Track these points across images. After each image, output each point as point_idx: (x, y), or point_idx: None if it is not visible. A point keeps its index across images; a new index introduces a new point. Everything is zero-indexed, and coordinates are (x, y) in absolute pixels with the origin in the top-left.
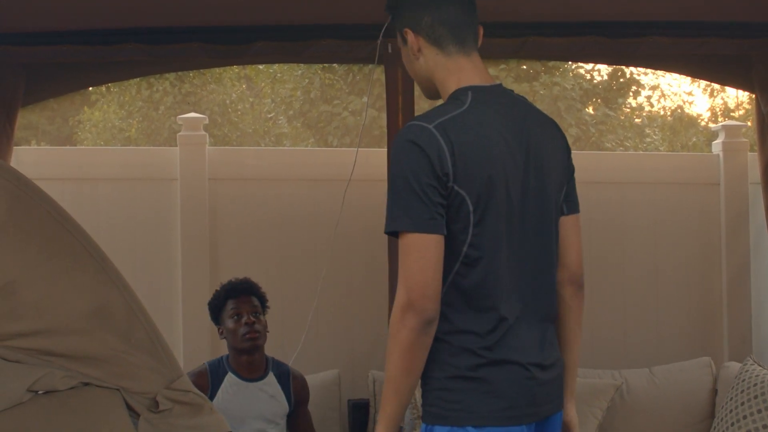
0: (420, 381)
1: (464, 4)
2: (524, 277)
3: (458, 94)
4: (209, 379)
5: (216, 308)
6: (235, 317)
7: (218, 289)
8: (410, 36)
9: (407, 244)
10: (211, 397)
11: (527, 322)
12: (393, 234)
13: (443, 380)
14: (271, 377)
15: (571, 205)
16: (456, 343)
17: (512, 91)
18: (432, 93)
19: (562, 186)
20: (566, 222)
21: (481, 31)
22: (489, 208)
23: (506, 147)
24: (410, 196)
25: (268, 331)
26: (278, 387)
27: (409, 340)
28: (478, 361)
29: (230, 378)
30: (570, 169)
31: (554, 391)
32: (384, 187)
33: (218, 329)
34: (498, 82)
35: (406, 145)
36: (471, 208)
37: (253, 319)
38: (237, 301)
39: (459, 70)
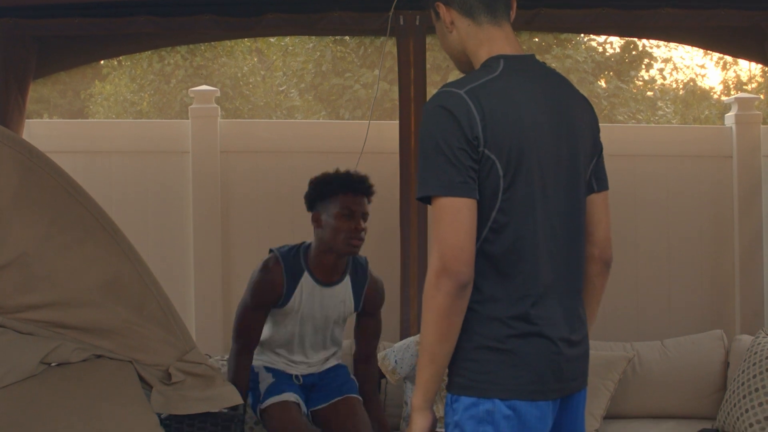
0: None
1: None
2: (556, 246)
3: (490, 62)
4: (284, 277)
5: (322, 194)
6: (347, 216)
7: (329, 173)
8: (442, 9)
9: (439, 209)
10: (287, 296)
11: (558, 293)
12: (425, 200)
13: (471, 350)
14: (346, 281)
15: (600, 182)
16: (484, 312)
17: (545, 63)
18: (465, 67)
19: (592, 159)
20: (596, 199)
21: (515, 4)
22: (519, 174)
23: (537, 114)
24: (441, 160)
25: None
26: (350, 291)
27: (445, 304)
28: (507, 331)
29: (306, 280)
30: (599, 145)
31: (580, 367)
32: (395, 159)
33: (313, 215)
34: (531, 53)
35: (437, 110)
36: (501, 173)
37: (363, 224)
38: (354, 199)
39: (490, 40)
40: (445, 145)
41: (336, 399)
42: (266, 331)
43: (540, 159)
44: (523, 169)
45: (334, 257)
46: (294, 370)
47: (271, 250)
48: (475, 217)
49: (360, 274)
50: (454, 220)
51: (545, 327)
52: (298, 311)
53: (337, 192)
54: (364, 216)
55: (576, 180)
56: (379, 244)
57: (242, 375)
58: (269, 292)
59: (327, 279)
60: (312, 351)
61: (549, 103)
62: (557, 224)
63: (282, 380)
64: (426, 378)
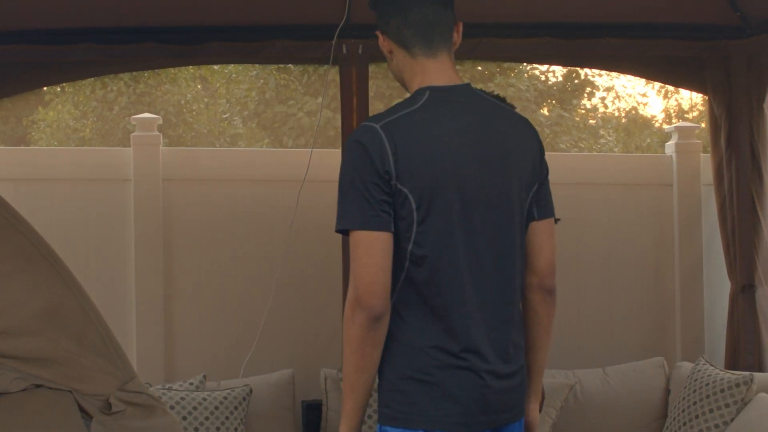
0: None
1: (431, 4)
2: (483, 278)
3: (415, 94)
4: None
5: None
6: None
7: None
8: (380, 38)
9: (354, 242)
10: None
11: (486, 324)
12: (343, 232)
13: (396, 381)
14: None
15: (542, 209)
16: (408, 342)
17: (482, 91)
18: (410, 91)
19: (531, 186)
20: (537, 227)
21: (460, 28)
22: (434, 207)
23: (459, 145)
24: (355, 194)
25: None
26: None
27: (359, 336)
28: (429, 362)
29: None
30: (542, 171)
31: (512, 400)
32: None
33: None
34: (466, 82)
35: (352, 145)
36: (414, 206)
37: None
38: None
39: (423, 72)
40: (358, 179)
41: None
42: None
43: (461, 191)
44: (437, 201)
45: None
46: None
47: None
48: (387, 250)
49: None
50: (365, 253)
51: (469, 359)
52: None
53: None
54: None
55: (508, 210)
56: (322, 272)
57: None
58: None
59: None
60: None
61: (476, 134)
62: (485, 255)
63: None
64: (349, 407)
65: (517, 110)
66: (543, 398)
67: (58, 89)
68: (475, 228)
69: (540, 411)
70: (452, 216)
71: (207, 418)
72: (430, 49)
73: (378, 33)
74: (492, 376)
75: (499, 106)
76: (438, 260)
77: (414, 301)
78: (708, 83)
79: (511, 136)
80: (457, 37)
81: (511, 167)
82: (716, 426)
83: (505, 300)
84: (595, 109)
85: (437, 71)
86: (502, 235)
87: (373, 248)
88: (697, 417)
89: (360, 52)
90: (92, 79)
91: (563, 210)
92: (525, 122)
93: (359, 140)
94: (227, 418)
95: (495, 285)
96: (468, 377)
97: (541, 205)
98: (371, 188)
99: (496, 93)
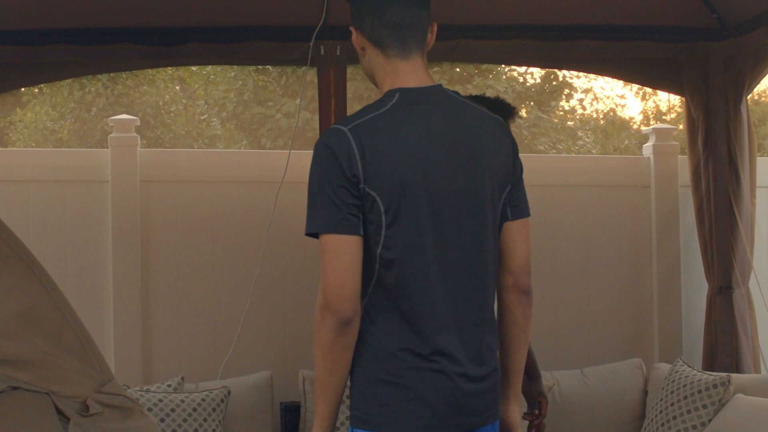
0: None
1: (408, 5)
2: (454, 280)
3: (385, 96)
4: None
5: None
6: None
7: None
8: (354, 34)
9: (323, 245)
10: None
11: (457, 327)
12: (312, 235)
13: (367, 383)
14: None
15: (516, 210)
16: (377, 345)
17: (456, 92)
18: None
19: (504, 187)
20: (511, 227)
21: (434, 28)
22: (402, 210)
23: (428, 148)
24: (323, 197)
25: None
26: None
27: (329, 340)
28: (399, 364)
29: None
30: (515, 171)
31: (484, 402)
32: None
33: None
34: (438, 83)
35: (321, 148)
36: (383, 210)
37: None
38: None
39: (395, 73)
40: (326, 182)
41: None
42: None
43: (430, 193)
44: (405, 205)
45: None
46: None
47: None
48: (356, 254)
49: None
50: (333, 257)
51: (440, 362)
52: None
53: None
54: None
55: (479, 211)
56: (300, 273)
57: None
58: None
59: None
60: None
61: (446, 136)
62: (455, 258)
63: None
64: (321, 410)
65: (518, 108)
66: (546, 403)
67: (36, 90)
68: (445, 230)
69: (543, 416)
70: (421, 219)
71: (185, 420)
72: (404, 51)
73: (352, 29)
74: (463, 379)
75: (470, 106)
76: (406, 263)
77: (384, 304)
78: (685, 85)
79: (482, 136)
80: (431, 37)
81: (481, 168)
82: (694, 427)
83: (477, 302)
84: (573, 110)
85: (409, 73)
86: (472, 236)
87: (342, 252)
88: (674, 418)
89: (338, 53)
90: (70, 80)
91: (541, 212)
92: (497, 122)
93: (327, 143)
94: (205, 420)
95: (466, 287)
96: (438, 380)
97: (514, 205)
98: (339, 192)
99: (480, 94)
